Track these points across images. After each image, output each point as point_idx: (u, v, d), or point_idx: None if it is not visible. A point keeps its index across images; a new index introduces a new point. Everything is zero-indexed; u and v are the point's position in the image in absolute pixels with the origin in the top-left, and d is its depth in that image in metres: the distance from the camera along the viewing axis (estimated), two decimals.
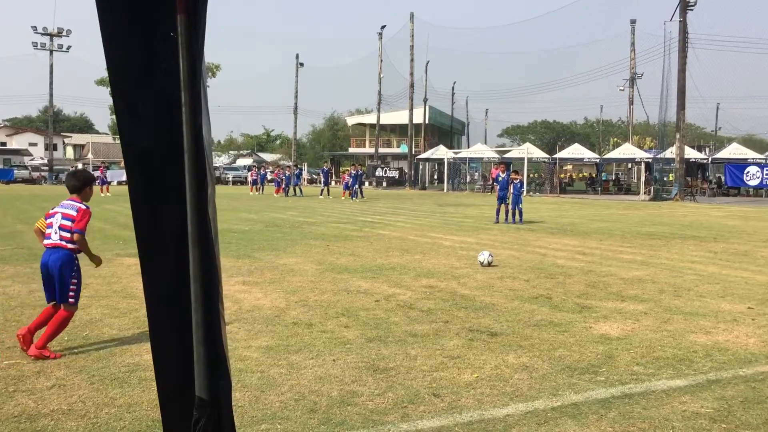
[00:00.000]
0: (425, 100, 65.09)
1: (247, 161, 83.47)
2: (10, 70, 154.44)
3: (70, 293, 5.75)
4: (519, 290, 8.92)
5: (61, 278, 5.72)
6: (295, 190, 40.94)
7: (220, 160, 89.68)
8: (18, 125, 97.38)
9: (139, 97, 1.77)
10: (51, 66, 63.23)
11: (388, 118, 68.59)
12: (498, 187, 21.08)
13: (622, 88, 57.04)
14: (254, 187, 44.88)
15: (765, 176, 42.32)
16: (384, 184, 59.87)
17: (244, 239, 14.98)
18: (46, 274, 5.77)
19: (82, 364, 5.47)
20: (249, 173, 51.16)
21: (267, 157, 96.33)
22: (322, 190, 39.30)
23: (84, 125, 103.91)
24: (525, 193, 28.40)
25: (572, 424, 4.26)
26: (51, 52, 62.91)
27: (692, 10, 37.92)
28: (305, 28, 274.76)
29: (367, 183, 64.01)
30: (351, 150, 79.38)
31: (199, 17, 1.72)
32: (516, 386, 5.01)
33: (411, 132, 59.95)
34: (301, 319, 7.13)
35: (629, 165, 60.14)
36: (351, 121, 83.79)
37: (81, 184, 6.06)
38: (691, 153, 45.70)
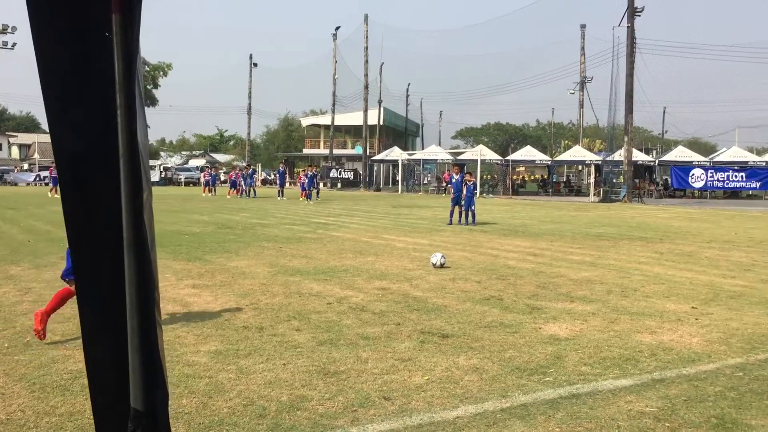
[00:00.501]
0: (380, 102, 65.24)
1: (200, 162, 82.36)
2: None
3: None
4: (471, 292, 8.98)
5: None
6: (248, 192, 40.58)
7: (172, 161, 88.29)
8: None
9: (72, 100, 1.71)
10: None
11: (343, 119, 68.55)
12: (452, 189, 21.25)
13: (573, 92, 58.08)
14: (207, 188, 44.29)
15: (709, 179, 43.63)
16: (339, 185, 59.76)
17: (195, 241, 14.76)
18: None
19: (22, 372, 5.29)
20: (202, 174, 50.45)
21: (220, 157, 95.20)
22: (279, 191, 39.07)
23: (30, 124, 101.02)
24: (478, 194, 28.70)
25: (521, 425, 4.29)
26: None
27: (639, 15, 38.84)
28: (259, 28, 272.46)
29: (321, 184, 63.84)
30: (305, 151, 79.05)
31: (135, 16, 1.68)
32: (466, 388, 5.03)
33: (365, 133, 59.99)
34: (252, 322, 7.05)
35: (580, 167, 61.26)
36: (305, 122, 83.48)
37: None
38: (639, 156, 46.81)
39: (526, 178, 73.05)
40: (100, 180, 1.73)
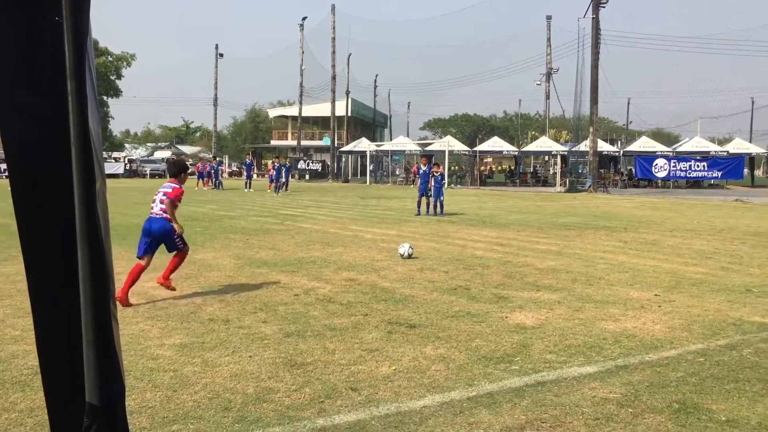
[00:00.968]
0: (347, 93, 65.03)
1: (166, 154, 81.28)
2: None
3: (178, 244, 7.89)
4: (438, 282, 9.01)
5: (165, 238, 7.75)
6: (215, 184, 40.24)
7: (137, 153, 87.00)
8: None
9: (20, 87, 1.66)
10: None
11: (311, 110, 68.18)
12: (419, 180, 21.27)
13: (539, 83, 58.51)
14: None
15: (672, 168, 44.36)
16: (307, 176, 59.50)
17: None
18: (147, 233, 7.70)
19: None
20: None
21: (186, 149, 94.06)
22: (246, 183, 38.79)
23: None
24: (446, 185, 28.77)
25: (487, 414, 4.32)
26: None
27: (604, 7, 39.27)
28: (225, 17, 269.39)
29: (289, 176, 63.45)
30: (273, 142, 78.47)
31: (84, 0, 1.62)
32: (433, 378, 5.05)
33: (333, 124, 59.77)
34: (218, 315, 6.98)
35: (546, 158, 61.83)
36: (273, 113, 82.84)
37: (177, 170, 8.13)
38: (603, 146, 47.39)
39: (494, 169, 73.60)
40: (51, 170, 1.68)
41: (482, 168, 57.71)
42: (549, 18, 56.42)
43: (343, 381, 4.94)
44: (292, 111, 71.49)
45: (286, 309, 7.27)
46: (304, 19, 62.17)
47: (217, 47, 72.18)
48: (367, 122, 77.45)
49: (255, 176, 45.52)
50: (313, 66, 63.66)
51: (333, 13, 58.14)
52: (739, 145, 49.97)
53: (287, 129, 77.66)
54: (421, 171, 21.19)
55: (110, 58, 68.21)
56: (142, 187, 42.12)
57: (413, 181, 41.44)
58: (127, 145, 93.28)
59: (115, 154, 72.16)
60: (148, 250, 7.70)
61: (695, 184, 46.58)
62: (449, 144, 50.22)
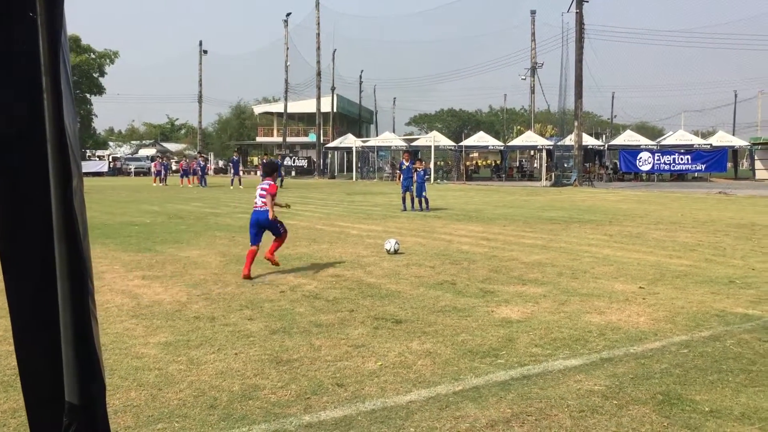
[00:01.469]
0: (333, 89, 64.90)
1: (150, 151, 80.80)
2: None
3: (280, 230, 9.53)
4: (424, 277, 9.02)
5: (269, 226, 9.40)
6: (201, 181, 40.07)
7: (121, 151, 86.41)
8: None
9: None
10: None
11: (296, 106, 67.99)
12: (401, 175, 21.24)
13: (524, 78, 58.64)
14: (158, 178, 43.48)
15: (656, 162, 44.66)
16: (293, 173, 59.35)
17: (145, 232, 14.48)
18: (255, 224, 9.38)
19: None
20: (153, 164, 49.41)
21: (171, 146, 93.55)
22: (233, 180, 38.69)
23: None
24: (432, 180, 28.88)
25: (473, 408, 4.33)
26: None
27: (588, 1, 39.39)
28: (209, 14, 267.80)
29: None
30: (258, 139, 78.20)
31: None
32: (419, 372, 5.05)
33: (319, 121, 59.65)
34: (203, 312, 6.95)
35: (532, 152, 62.05)
36: (258, 109, 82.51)
37: (270, 170, 10.03)
38: (588, 140, 47.60)
39: (480, 164, 73.72)
40: (26, 167, 1.66)
41: (468, 163, 57.81)
42: (533, 13, 56.55)
43: (330, 377, 4.94)
44: (278, 107, 71.25)
45: (272, 306, 7.26)
46: (288, 15, 61.94)
47: (201, 44, 71.81)
48: (353, 118, 77.38)
49: (242, 173, 45.36)
50: (299, 62, 63.51)
51: (318, 9, 57.97)
52: (722, 138, 50.36)
53: (273, 126, 77.41)
54: (403, 167, 21.16)
55: (93, 56, 67.65)
56: (128, 185, 41.91)
57: (397, 176, 41.53)
58: (111, 143, 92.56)
59: (99, 152, 71.65)
60: (257, 238, 9.34)
61: (679, 177, 46.94)
62: (435, 139, 50.21)
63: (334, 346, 5.73)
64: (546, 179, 43.06)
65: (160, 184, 41.62)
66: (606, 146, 50.42)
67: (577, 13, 39.15)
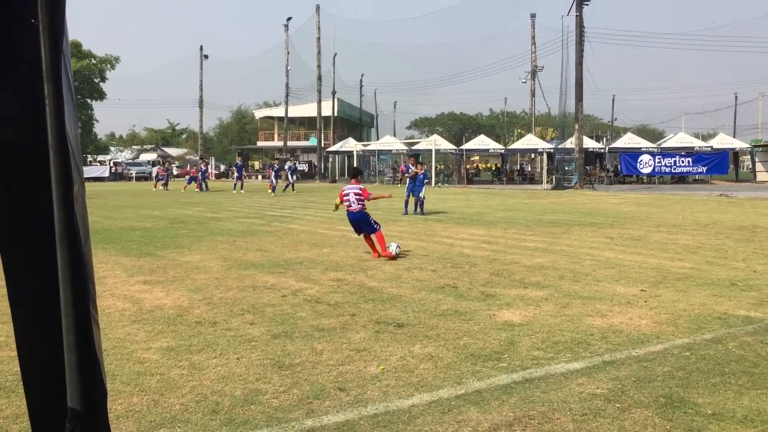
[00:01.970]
0: (334, 93, 64.97)
1: (151, 156, 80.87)
2: None
3: (374, 227, 11.23)
4: (426, 281, 9.02)
5: (366, 224, 11.32)
6: (200, 186, 40.10)
7: (122, 156, 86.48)
8: None
9: None
10: None
11: (297, 111, 68.04)
12: (407, 179, 21.37)
13: (525, 81, 58.66)
14: (161, 182, 43.62)
15: (657, 164, 44.65)
16: (294, 177, 59.31)
17: (147, 237, 14.49)
18: (355, 223, 11.48)
19: None
20: (156, 170, 49.45)
21: (172, 151, 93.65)
22: (235, 185, 38.88)
23: None
24: (433, 184, 28.87)
25: (475, 411, 4.32)
26: None
27: (588, 4, 39.42)
28: (209, 19, 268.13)
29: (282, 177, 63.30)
30: (259, 143, 78.25)
31: (60, 2, 1.61)
32: (421, 376, 5.05)
33: (320, 125, 59.69)
34: (205, 317, 6.95)
35: (533, 155, 62.03)
36: (259, 114, 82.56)
37: (357, 174, 12.77)
38: (589, 143, 47.63)
39: (481, 167, 73.71)
40: (29, 173, 1.66)
41: (469, 166, 57.82)
42: (533, 16, 56.60)
43: (332, 381, 4.94)
44: (279, 112, 71.28)
45: (274, 310, 7.26)
46: (288, 19, 62.03)
47: (201, 49, 71.97)
48: (354, 122, 77.41)
49: (245, 177, 45.53)
50: (299, 67, 63.57)
51: (318, 14, 58.05)
52: (722, 141, 50.36)
53: (273, 130, 77.43)
54: (409, 171, 21.26)
55: (94, 61, 67.74)
56: (129, 190, 41.96)
57: (401, 180, 41.58)
58: (112, 148, 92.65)
59: (100, 158, 71.72)
60: (358, 231, 11.54)
61: (680, 179, 46.89)
62: (436, 143, 50.23)
63: (335, 351, 5.72)
64: (547, 182, 43.05)
65: (162, 189, 41.65)
66: (607, 149, 50.43)
67: (577, 16, 39.18)
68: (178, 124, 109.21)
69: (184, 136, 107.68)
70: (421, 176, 20.86)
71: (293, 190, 36.76)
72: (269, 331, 6.38)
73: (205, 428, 4.08)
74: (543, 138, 60.70)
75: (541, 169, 49.93)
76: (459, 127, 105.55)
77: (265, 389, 4.76)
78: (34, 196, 1.67)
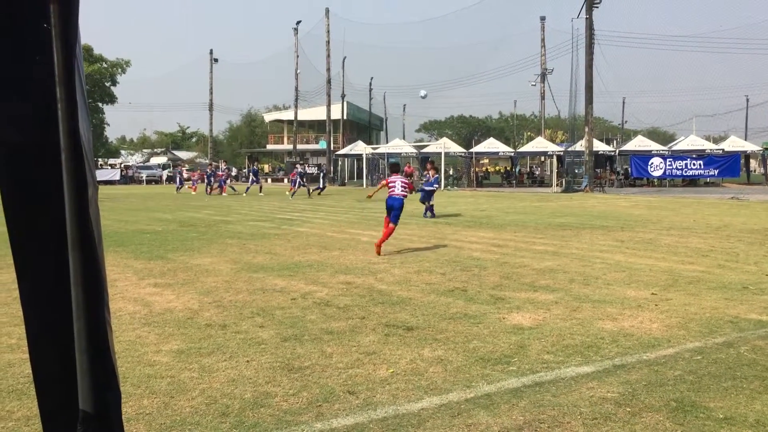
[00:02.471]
0: (343, 96, 65.06)
1: (162, 160, 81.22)
2: None
3: (397, 218, 12.28)
4: (435, 284, 9.01)
5: (396, 211, 12.26)
6: (207, 189, 40.26)
7: (133, 159, 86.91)
8: None
9: (9, 93, 1.65)
10: None
11: (306, 114, 68.23)
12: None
13: (534, 84, 58.58)
14: (194, 185, 44.62)
15: (668, 167, 44.45)
16: (303, 180, 59.41)
17: (157, 240, 14.55)
18: (392, 207, 12.30)
19: None
20: (186, 172, 49.95)
21: (183, 155, 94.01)
22: (248, 188, 39.19)
23: None
24: (442, 187, 28.87)
25: (485, 415, 4.32)
26: None
27: (597, 7, 39.35)
28: (220, 22, 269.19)
29: (286, 179, 63.42)
30: (269, 147, 78.52)
31: (73, 6, 1.62)
32: (431, 380, 5.04)
33: (329, 128, 59.81)
34: (215, 320, 6.97)
35: (542, 158, 61.89)
36: (268, 117, 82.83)
37: (397, 169, 13.67)
38: (599, 146, 47.46)
39: (490, 170, 73.60)
40: (41, 176, 1.67)
41: (478, 169, 57.74)
42: (543, 19, 56.57)
43: (341, 384, 4.94)
44: (288, 115, 71.52)
45: (283, 313, 7.27)
46: (298, 23, 62.24)
47: (211, 52, 72.30)
48: (363, 125, 77.51)
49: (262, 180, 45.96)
50: (309, 70, 63.79)
51: (327, 17, 58.19)
52: (734, 143, 50.07)
53: (283, 133, 77.68)
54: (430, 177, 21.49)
55: (105, 65, 68.15)
56: (139, 193, 42.15)
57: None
58: (123, 152, 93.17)
59: (111, 161, 72.11)
60: (389, 213, 12.30)
61: (691, 182, 46.66)
62: (445, 146, 50.23)
63: (345, 354, 5.73)
64: (557, 185, 42.94)
65: (187, 191, 41.72)
66: (617, 152, 50.24)
67: (587, 18, 39.11)
68: (188, 127, 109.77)
69: (194, 140, 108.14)
70: (433, 180, 20.95)
71: (319, 194, 36.49)
72: (279, 334, 6.39)
73: (215, 431, 4.09)
74: (553, 141, 60.55)
75: (551, 172, 49.80)
76: (468, 130, 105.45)
77: (274, 392, 4.77)
78: (48, 200, 1.68)
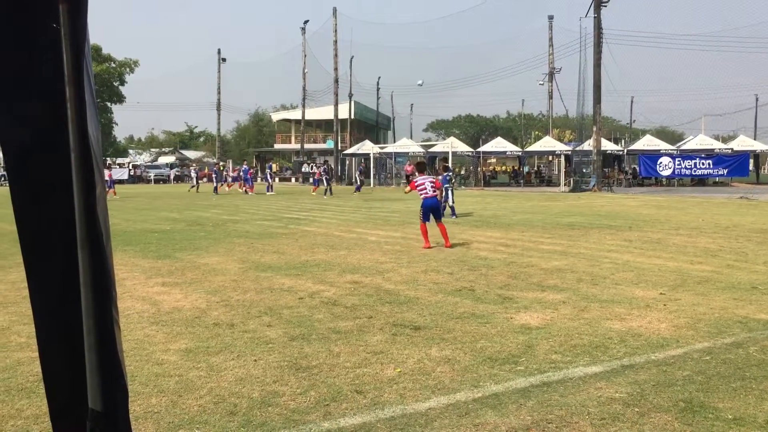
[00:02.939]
0: (350, 96, 65.10)
1: (170, 159, 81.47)
2: None
3: (442, 216, 13.22)
4: (443, 283, 9.00)
5: (435, 210, 12.94)
6: (215, 189, 40.28)
7: (141, 159, 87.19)
8: None
9: (19, 93, 1.66)
10: None
11: (314, 113, 68.29)
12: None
13: (542, 83, 58.45)
14: (225, 184, 44.98)
15: (677, 167, 44.25)
16: (310, 179, 59.52)
17: (165, 239, 14.60)
18: (429, 209, 12.76)
19: None
20: (216, 170, 50.20)
21: (190, 154, 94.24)
22: (269, 187, 39.52)
23: None
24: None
25: (492, 415, 4.31)
26: None
27: (606, 6, 39.20)
28: (227, 21, 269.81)
29: (293, 179, 63.61)
30: (276, 146, 78.64)
31: (82, 6, 1.63)
32: (438, 379, 5.04)
33: (337, 127, 59.85)
34: (223, 319, 6.98)
35: (550, 157, 61.75)
36: (276, 117, 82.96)
37: (422, 168, 13.91)
38: (607, 145, 47.28)
39: (497, 170, 73.46)
40: (50, 176, 1.68)
41: (485, 169, 57.64)
42: (551, 18, 56.43)
43: (349, 384, 4.94)
44: (296, 114, 71.61)
45: (291, 312, 7.28)
46: (306, 22, 62.28)
47: (219, 52, 72.40)
48: (371, 124, 77.53)
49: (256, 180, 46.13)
50: (316, 69, 63.85)
51: (335, 16, 58.22)
52: (743, 142, 49.78)
53: (290, 132, 77.78)
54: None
55: (113, 65, 68.43)
56: (148, 192, 42.29)
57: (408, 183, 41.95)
58: (131, 151, 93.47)
59: (119, 160, 72.39)
60: (426, 217, 12.74)
61: (700, 181, 46.44)
62: (453, 145, 50.16)
63: (352, 353, 5.73)
64: (564, 185, 42.82)
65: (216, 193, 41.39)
66: (625, 151, 50.04)
67: (595, 17, 38.97)
68: (196, 126, 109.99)
69: (202, 139, 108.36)
70: (441, 179, 20.90)
71: (330, 193, 36.43)
72: (286, 333, 6.40)
73: (223, 430, 4.10)
74: (560, 140, 60.36)
75: (559, 171, 49.67)
76: (476, 129, 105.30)
77: (282, 391, 4.78)
78: (57, 199, 1.69)
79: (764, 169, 65.55)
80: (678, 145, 51.56)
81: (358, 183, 40.95)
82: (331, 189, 36.30)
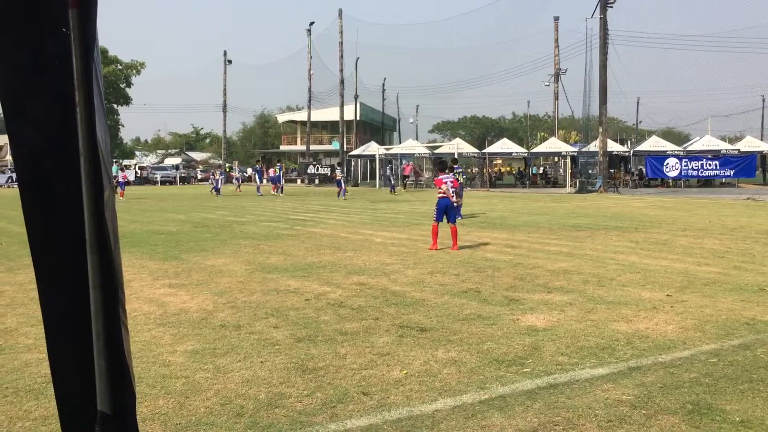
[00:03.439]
0: (356, 97, 65.04)
1: (176, 161, 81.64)
2: None
3: (457, 217, 13.43)
4: (449, 285, 9.00)
5: (453, 211, 13.04)
6: (217, 190, 40.19)
7: (147, 160, 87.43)
8: None
9: (29, 96, 1.67)
10: None
11: (319, 115, 68.34)
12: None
13: (548, 84, 58.32)
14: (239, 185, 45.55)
15: (683, 168, 44.11)
16: (316, 181, 59.60)
17: (172, 241, 14.63)
18: (444, 209, 12.75)
19: None
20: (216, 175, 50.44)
21: (196, 156, 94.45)
22: (280, 188, 39.60)
23: (2, 124, 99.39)
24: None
25: (499, 417, 4.31)
26: None
27: (612, 7, 39.13)
28: (233, 23, 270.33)
29: (299, 180, 63.66)
30: (282, 147, 78.76)
31: (91, 11, 1.64)
32: (444, 381, 5.04)
33: (342, 129, 59.85)
34: (229, 321, 7.00)
35: (556, 158, 61.61)
36: (282, 118, 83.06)
37: (443, 167, 13.98)
38: (613, 146, 47.13)
39: (503, 171, 73.36)
40: (60, 179, 1.69)
41: (491, 170, 57.57)
42: (557, 19, 56.32)
43: (355, 385, 4.94)
44: (301, 116, 71.70)
45: (297, 314, 7.29)
46: (311, 24, 62.37)
47: (225, 54, 72.54)
48: (376, 126, 77.51)
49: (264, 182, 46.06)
50: (322, 71, 63.85)
51: (340, 18, 58.27)
52: (750, 143, 49.60)
53: (296, 134, 77.90)
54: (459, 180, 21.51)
55: (120, 67, 68.65)
56: (154, 194, 42.37)
57: (414, 183, 42.13)
58: (137, 153, 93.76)
59: (125, 162, 72.61)
60: (440, 217, 12.76)
61: (706, 182, 46.27)
62: (458, 146, 50.12)
63: (359, 355, 5.73)
64: (570, 186, 42.74)
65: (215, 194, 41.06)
66: (631, 152, 49.90)
67: (601, 18, 38.91)
68: (202, 128, 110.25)
69: (207, 141, 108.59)
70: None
71: (344, 196, 36.22)
72: (293, 334, 6.41)
73: (230, 431, 4.11)
74: (566, 141, 60.25)
75: (565, 172, 49.56)
76: (482, 130, 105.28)
77: (289, 393, 4.79)
78: (66, 202, 1.70)
79: None
80: (684, 146, 51.40)
81: (392, 183, 42.27)
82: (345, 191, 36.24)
